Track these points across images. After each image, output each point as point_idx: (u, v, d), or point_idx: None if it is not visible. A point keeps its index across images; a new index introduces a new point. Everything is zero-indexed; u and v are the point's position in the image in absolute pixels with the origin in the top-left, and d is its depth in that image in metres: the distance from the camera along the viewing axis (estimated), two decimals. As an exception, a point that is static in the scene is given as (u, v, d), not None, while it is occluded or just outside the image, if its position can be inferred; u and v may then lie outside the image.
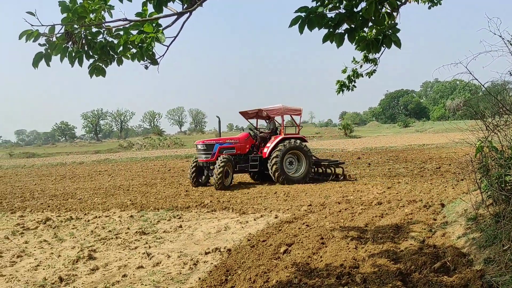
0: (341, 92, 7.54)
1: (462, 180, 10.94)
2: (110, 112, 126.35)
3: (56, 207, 11.78)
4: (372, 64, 7.26)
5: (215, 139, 15.31)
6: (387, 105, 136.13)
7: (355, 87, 7.53)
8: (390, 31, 3.12)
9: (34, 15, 2.87)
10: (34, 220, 9.89)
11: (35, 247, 7.42)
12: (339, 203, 10.03)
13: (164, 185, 15.79)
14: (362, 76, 7.44)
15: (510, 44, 5.29)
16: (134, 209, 10.86)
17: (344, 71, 7.47)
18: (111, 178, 20.01)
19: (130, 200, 12.21)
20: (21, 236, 8.33)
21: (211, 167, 14.16)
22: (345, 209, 9.23)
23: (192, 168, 14.58)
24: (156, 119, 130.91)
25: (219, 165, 13.42)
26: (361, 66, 7.14)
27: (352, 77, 7.46)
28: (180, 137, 79.98)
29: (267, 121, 16.47)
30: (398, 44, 3.21)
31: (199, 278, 5.44)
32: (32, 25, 2.91)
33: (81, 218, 9.92)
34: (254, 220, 8.92)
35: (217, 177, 13.34)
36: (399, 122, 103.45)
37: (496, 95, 5.93)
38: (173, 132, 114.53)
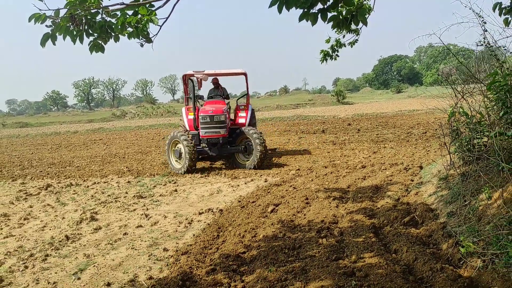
0: (324, 61, 7.90)
1: (453, 142, 11.50)
2: (101, 81, 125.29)
3: (55, 174, 12.26)
4: (354, 34, 7.60)
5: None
6: (380, 71, 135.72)
7: (338, 56, 7.88)
8: (357, 11, 3.53)
9: (42, 1, 3.25)
10: (36, 186, 10.38)
11: (39, 210, 7.93)
12: (325, 167, 10.59)
13: (159, 153, 16.25)
14: (345, 46, 7.79)
15: (479, 16, 5.70)
16: (131, 175, 11.36)
17: (327, 41, 7.81)
18: (106, 147, 20.42)
19: (126, 167, 12.71)
20: (25, 201, 8.83)
21: (223, 146, 11.43)
22: (331, 173, 9.78)
23: (193, 150, 10.88)
24: (149, 88, 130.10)
25: (258, 138, 11.07)
26: (343, 36, 7.47)
27: (336, 47, 7.80)
28: (173, 105, 79.79)
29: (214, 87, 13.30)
30: (365, 23, 3.61)
31: (194, 235, 6.00)
32: (40, 10, 3.29)
33: (81, 184, 10.43)
34: (245, 184, 9.47)
35: (261, 156, 11.05)
36: (392, 88, 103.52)
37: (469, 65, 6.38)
38: (165, 101, 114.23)
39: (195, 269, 4.61)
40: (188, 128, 12.07)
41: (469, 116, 6.22)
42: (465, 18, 5.78)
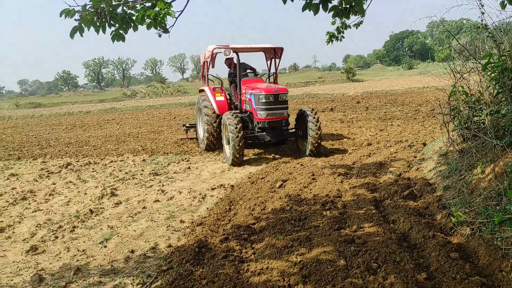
0: (330, 42, 8.19)
1: (449, 122, 11.77)
2: (111, 60, 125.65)
3: (73, 153, 12.80)
4: (359, 15, 7.85)
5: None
6: (391, 47, 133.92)
7: (343, 37, 8.15)
8: (354, 2, 3.85)
9: (72, -2, 3.64)
10: (56, 165, 10.92)
11: (62, 187, 8.46)
12: (332, 145, 10.96)
13: (171, 132, 16.72)
14: (350, 27, 8.05)
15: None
16: (146, 154, 11.85)
17: (333, 23, 8.07)
18: (120, 127, 20.94)
19: (140, 146, 13.20)
20: (48, 179, 9.37)
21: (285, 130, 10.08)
22: (338, 150, 10.16)
23: (240, 131, 9.24)
24: (158, 67, 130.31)
25: (316, 119, 9.68)
26: (349, 18, 7.72)
27: (341, 28, 8.06)
28: (182, 84, 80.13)
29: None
30: (361, 13, 3.94)
31: (207, 208, 6.46)
32: (69, 6, 3.67)
33: (99, 163, 10.94)
34: (255, 161, 9.89)
35: (319, 140, 9.60)
36: (403, 64, 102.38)
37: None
38: (175, 80, 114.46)
39: (210, 238, 5.07)
40: (217, 111, 10.75)
41: (468, 95, 6.52)
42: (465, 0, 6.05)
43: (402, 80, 51.49)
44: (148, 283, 4.08)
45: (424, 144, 9.39)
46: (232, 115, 9.46)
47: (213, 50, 10.72)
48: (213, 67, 11.64)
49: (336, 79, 66.07)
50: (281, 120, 9.80)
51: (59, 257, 4.95)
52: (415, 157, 8.37)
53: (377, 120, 15.74)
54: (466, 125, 6.40)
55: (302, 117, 10.07)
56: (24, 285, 4.27)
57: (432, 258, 3.87)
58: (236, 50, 10.48)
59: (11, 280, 4.42)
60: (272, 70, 11.74)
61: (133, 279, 4.20)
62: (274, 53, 11.35)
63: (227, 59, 11.56)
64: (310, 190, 6.84)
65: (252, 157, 10.44)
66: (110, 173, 9.46)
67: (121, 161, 11.05)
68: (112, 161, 11.00)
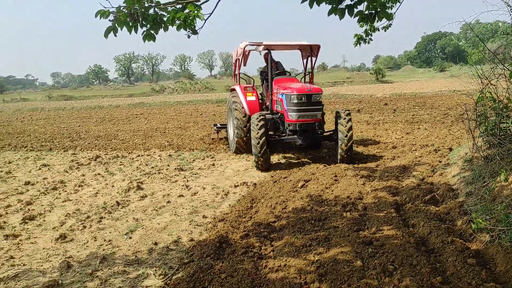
0: (358, 44, 8.19)
1: (478, 127, 11.57)
2: (141, 56, 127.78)
3: (102, 146, 13.19)
4: (386, 20, 7.83)
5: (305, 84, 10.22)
6: (423, 48, 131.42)
7: (372, 40, 8.14)
8: (379, 8, 3.89)
9: (107, 0, 3.83)
10: (86, 157, 11.30)
11: (91, 179, 8.76)
12: (356, 147, 10.94)
13: (197, 128, 16.97)
14: (379, 30, 8.03)
15: (508, 5, 5.87)
16: (172, 149, 12.10)
17: (361, 25, 8.07)
18: (147, 121, 21.36)
19: (167, 142, 13.47)
20: (78, 170, 9.71)
21: (319, 132, 9.42)
22: (362, 152, 10.14)
23: (263, 136, 8.61)
24: (187, 63, 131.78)
25: (347, 121, 8.89)
26: (373, 23, 7.71)
27: (369, 31, 8.05)
28: (210, 81, 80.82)
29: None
30: (388, 18, 3.98)
31: (230, 205, 6.60)
32: (104, 7, 3.86)
33: (126, 156, 11.25)
34: (278, 160, 9.99)
35: (349, 144, 8.79)
36: (434, 66, 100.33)
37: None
38: (203, 76, 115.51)
39: (231, 234, 5.20)
40: (248, 112, 10.17)
41: (496, 101, 6.44)
42: (495, 6, 5.98)
43: (432, 82, 50.50)
44: (169, 275, 4.24)
45: (450, 149, 9.29)
46: (257, 118, 8.77)
47: (244, 47, 10.17)
48: (244, 65, 10.95)
49: (365, 80, 65.38)
50: (314, 123, 9.10)
51: (86, 246, 5.18)
52: (440, 161, 8.30)
53: (404, 123, 15.57)
54: (493, 131, 6.33)
55: (336, 119, 9.33)
56: (53, 270, 4.50)
57: (449, 263, 3.89)
58: (269, 48, 10.13)
59: (41, 265, 4.66)
60: (308, 69, 11.25)
61: (155, 270, 4.37)
62: (310, 50, 10.80)
63: (265, 54, 10.68)
64: (332, 191, 6.89)
65: (275, 155, 10.52)
66: (137, 167, 9.73)
67: (148, 155, 11.33)
68: (139, 155, 11.29)
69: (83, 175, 9.11)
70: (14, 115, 32.10)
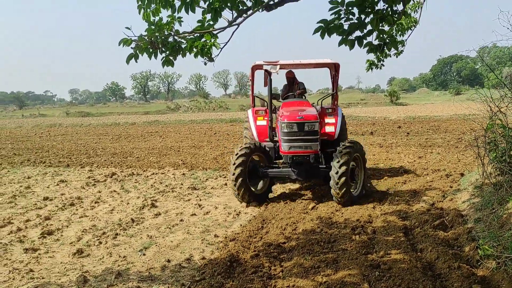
0: (370, 70, 8.38)
1: (487, 154, 11.57)
2: (158, 74, 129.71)
3: (118, 163, 13.48)
4: (400, 45, 8.02)
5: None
6: (439, 71, 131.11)
7: (383, 65, 8.32)
8: (388, 39, 4.08)
9: (130, 29, 4.09)
10: (102, 174, 11.57)
11: (107, 195, 8.99)
12: (368, 170, 11.01)
13: (211, 148, 17.21)
14: (390, 56, 8.21)
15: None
16: (185, 168, 12.32)
17: (368, 51, 8.28)
18: (162, 140, 21.71)
19: (181, 160, 13.71)
20: (94, 187, 9.97)
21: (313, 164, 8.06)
22: (373, 175, 10.22)
23: (239, 166, 7.84)
24: (202, 82, 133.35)
25: (341, 154, 7.51)
26: (383, 53, 7.90)
27: (381, 57, 8.25)
28: (225, 100, 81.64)
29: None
30: (396, 48, 4.17)
31: (241, 225, 6.74)
32: (127, 35, 4.13)
33: (141, 174, 11.50)
34: (290, 183, 10.11)
35: (338, 184, 7.33)
36: (450, 89, 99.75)
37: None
38: (218, 95, 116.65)
39: (241, 253, 5.33)
40: (257, 138, 9.17)
41: (506, 129, 6.53)
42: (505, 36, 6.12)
43: (448, 106, 50.25)
44: (181, 292, 4.38)
45: (462, 174, 9.32)
46: (240, 148, 8.07)
47: (252, 67, 9.33)
48: (264, 85, 9.61)
49: (379, 102, 65.38)
50: (308, 155, 7.87)
51: (102, 261, 5.35)
52: (451, 187, 8.34)
53: (417, 147, 15.58)
54: (503, 158, 6.40)
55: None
56: (70, 284, 4.67)
57: (454, 288, 3.97)
58: (284, 67, 9.43)
59: (59, 279, 4.85)
60: (331, 89, 10.15)
61: (168, 287, 4.51)
62: (334, 69, 9.67)
63: (288, 72, 9.97)
64: (342, 213, 7.00)
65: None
66: (152, 185, 9.94)
67: (162, 173, 11.55)
68: (153, 173, 11.53)
69: (99, 192, 9.35)
70: (33, 130, 32.89)
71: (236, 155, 7.95)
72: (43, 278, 4.88)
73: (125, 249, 5.79)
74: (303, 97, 9.76)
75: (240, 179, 7.73)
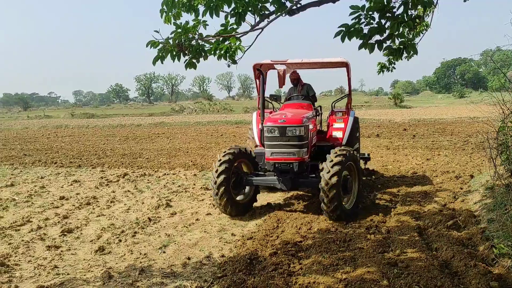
0: (381, 72, 8.50)
1: (499, 155, 11.67)
2: (161, 76, 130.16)
3: (129, 164, 13.64)
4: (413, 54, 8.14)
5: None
6: (442, 74, 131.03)
7: (394, 68, 8.44)
8: (408, 43, 4.21)
9: (158, 32, 4.26)
10: (114, 174, 11.72)
11: (122, 195, 9.14)
12: (378, 171, 11.13)
13: (219, 149, 17.31)
14: (401, 60, 8.33)
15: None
16: (196, 169, 12.45)
17: (385, 54, 8.40)
18: (170, 141, 21.85)
19: (191, 161, 13.85)
20: (108, 187, 10.12)
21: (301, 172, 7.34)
22: (382, 177, 10.33)
23: (222, 174, 7.14)
24: (206, 84, 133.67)
25: (332, 163, 6.65)
26: (401, 57, 8.01)
27: (392, 60, 8.36)
28: (228, 102, 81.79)
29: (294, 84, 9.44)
30: (415, 52, 4.29)
31: (256, 224, 6.87)
32: (155, 38, 4.29)
33: (153, 175, 11.64)
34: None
35: (328, 197, 6.51)
36: (454, 92, 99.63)
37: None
38: (221, 97, 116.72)
39: (260, 251, 5.47)
40: (257, 142, 8.80)
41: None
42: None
43: (452, 108, 50.29)
44: (205, 287, 4.51)
45: (472, 176, 9.42)
46: (223, 154, 7.46)
47: (255, 67, 8.67)
48: (280, 86, 8.88)
49: (383, 105, 65.37)
50: (292, 163, 7.16)
51: (124, 258, 5.49)
52: (461, 188, 8.45)
53: (423, 149, 15.68)
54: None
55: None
56: (95, 280, 4.81)
57: (472, 285, 4.09)
58: (291, 66, 8.83)
59: (84, 275, 4.99)
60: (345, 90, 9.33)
61: (191, 283, 4.65)
62: (346, 69, 8.86)
63: (292, 73, 9.19)
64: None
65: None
66: (164, 185, 10.09)
67: (174, 174, 11.69)
68: (165, 174, 11.67)
69: (113, 192, 9.49)
70: (39, 131, 33.10)
71: (219, 161, 7.27)
72: (68, 274, 5.02)
73: (144, 247, 5.93)
74: (309, 100, 8.91)
75: (223, 187, 7.00)
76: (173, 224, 6.96)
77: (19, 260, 5.47)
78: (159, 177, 11.29)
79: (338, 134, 8.61)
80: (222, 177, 7.06)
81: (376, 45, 4.28)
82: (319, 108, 9.01)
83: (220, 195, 7.05)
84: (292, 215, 7.27)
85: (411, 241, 5.50)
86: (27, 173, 12.48)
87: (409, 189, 8.82)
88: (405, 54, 4.68)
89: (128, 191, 9.52)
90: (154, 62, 4.52)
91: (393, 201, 7.80)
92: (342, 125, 8.68)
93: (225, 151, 7.49)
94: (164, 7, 4.84)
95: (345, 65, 8.75)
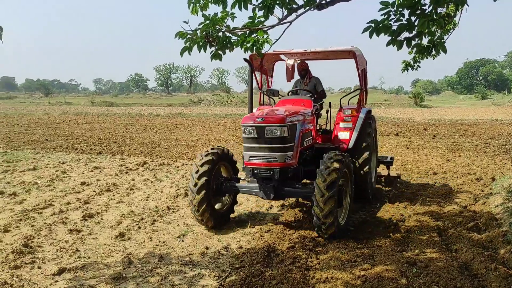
0: (405, 71, 8.41)
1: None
2: (181, 67, 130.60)
3: (148, 153, 13.79)
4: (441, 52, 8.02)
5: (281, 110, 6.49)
6: (465, 75, 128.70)
7: (419, 67, 8.34)
8: (438, 41, 4.15)
9: (187, 23, 4.29)
10: (133, 163, 11.87)
11: (141, 183, 9.26)
12: (396, 170, 11.02)
13: (237, 142, 17.38)
14: (427, 58, 8.22)
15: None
16: (214, 160, 12.49)
17: (410, 52, 8.28)
18: (188, 132, 22.00)
19: (209, 153, 13.90)
20: (127, 175, 10.26)
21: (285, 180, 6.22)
22: (402, 176, 10.23)
23: (203, 175, 6.15)
24: (224, 76, 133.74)
25: (329, 170, 5.55)
26: (430, 55, 7.90)
27: (418, 58, 8.26)
28: (246, 95, 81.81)
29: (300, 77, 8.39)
30: (444, 51, 4.23)
31: (274, 218, 6.88)
32: (184, 29, 4.32)
33: (171, 164, 11.75)
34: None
35: (324, 211, 5.41)
36: (476, 94, 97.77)
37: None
38: (239, 90, 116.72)
39: (277, 244, 5.50)
40: None
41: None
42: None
43: (474, 110, 49.43)
44: (223, 277, 4.56)
45: (493, 179, 9.27)
46: (205, 153, 6.47)
47: (251, 58, 7.69)
48: (288, 80, 8.50)
49: (403, 103, 64.60)
50: (272, 169, 6.01)
51: (143, 245, 5.58)
52: (482, 191, 8.33)
53: (444, 150, 15.46)
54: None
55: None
56: (116, 265, 4.91)
57: (492, 288, 4.04)
58: (293, 56, 8.06)
59: (105, 259, 5.09)
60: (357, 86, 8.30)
61: (209, 272, 4.70)
62: (354, 59, 7.53)
63: (300, 63, 8.23)
64: (373, 211, 7.08)
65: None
66: (183, 175, 10.18)
67: (192, 165, 11.77)
68: (183, 164, 11.77)
69: (133, 180, 9.62)
70: (60, 118, 33.66)
71: (200, 160, 6.27)
72: (89, 258, 5.12)
73: (163, 235, 6.01)
74: (312, 95, 7.67)
75: (203, 191, 6.02)
76: (191, 214, 7.01)
77: (42, 242, 5.60)
78: (178, 167, 11.38)
79: (344, 135, 7.42)
80: (203, 179, 6.05)
81: (404, 42, 4.23)
82: (321, 105, 7.88)
83: (199, 200, 5.99)
84: (309, 210, 7.26)
85: (431, 241, 5.46)
86: (48, 158, 12.72)
87: (428, 190, 8.73)
88: (433, 52, 4.61)
89: (147, 179, 9.64)
90: (181, 53, 4.55)
91: (412, 201, 7.73)
92: (350, 124, 7.44)
93: (207, 151, 6.49)
94: (193, -4, 4.87)
95: (352, 55, 7.45)
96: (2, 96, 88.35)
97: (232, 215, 6.87)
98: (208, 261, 5.05)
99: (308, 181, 7.25)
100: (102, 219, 6.70)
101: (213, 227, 6.23)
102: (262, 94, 8.65)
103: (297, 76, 8.46)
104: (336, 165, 5.55)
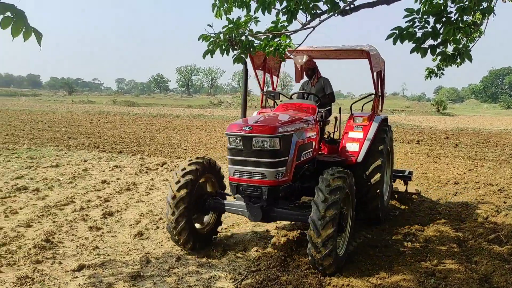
0: (429, 78, 8.30)
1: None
2: (202, 69, 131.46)
3: (167, 153, 13.93)
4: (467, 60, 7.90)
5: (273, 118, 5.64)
6: (490, 83, 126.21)
7: (443, 74, 8.22)
8: (463, 49, 4.10)
9: (211, 26, 4.34)
10: (153, 162, 12.00)
11: (160, 183, 9.36)
12: (417, 178, 10.89)
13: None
14: (451, 66, 8.10)
15: None
16: (232, 163, 12.54)
17: (434, 60, 8.17)
18: (207, 134, 22.13)
19: (228, 155, 13.97)
20: (147, 174, 10.38)
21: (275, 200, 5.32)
22: (422, 184, 10.10)
23: (183, 187, 5.24)
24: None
25: (330, 189, 4.66)
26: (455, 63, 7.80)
27: (442, 65, 8.14)
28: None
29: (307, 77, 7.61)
30: (469, 59, 4.18)
31: (291, 222, 6.86)
32: (207, 32, 4.38)
33: (190, 166, 11.82)
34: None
35: (322, 236, 4.46)
36: (501, 103, 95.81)
37: None
38: (259, 93, 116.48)
39: (294, 249, 5.48)
40: None
41: None
42: None
43: (498, 119, 48.48)
44: (239, 280, 4.58)
45: (516, 191, 9.08)
46: (188, 162, 5.60)
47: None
48: (296, 81, 8.16)
49: (425, 111, 63.72)
50: (260, 187, 5.09)
51: (161, 245, 5.65)
52: (504, 202, 8.16)
53: (466, 159, 15.19)
54: None
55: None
56: (134, 263, 4.98)
57: (513, 303, 3.96)
58: (300, 54, 7.21)
59: (123, 257, 5.17)
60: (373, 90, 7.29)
61: (226, 274, 4.73)
62: (368, 60, 6.54)
63: (307, 61, 7.24)
64: (391, 219, 7.01)
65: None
66: (201, 177, 10.23)
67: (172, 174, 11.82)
68: (202, 166, 11.82)
69: (152, 179, 9.73)
70: (83, 116, 34.25)
71: (182, 170, 5.43)
72: (108, 255, 5.21)
73: (181, 235, 6.05)
74: (319, 99, 6.87)
75: (183, 206, 5.17)
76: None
77: (63, 238, 5.72)
78: (197, 168, 11.45)
79: (353, 146, 6.49)
80: (184, 191, 5.20)
81: (429, 50, 4.19)
82: (329, 110, 7.15)
83: (177, 216, 5.16)
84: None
85: (450, 252, 5.38)
86: (71, 155, 12.97)
87: (449, 199, 8.60)
88: (458, 60, 4.55)
89: (166, 179, 9.74)
90: (204, 56, 4.61)
91: (432, 210, 7.63)
92: (360, 134, 6.53)
93: (191, 160, 5.65)
94: (217, 1, 4.93)
95: (366, 54, 6.48)
96: (27, 93, 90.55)
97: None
98: (224, 263, 5.08)
99: (307, 199, 6.32)
100: (121, 217, 6.80)
101: (191, 249, 5.38)
102: (263, 96, 7.83)
103: (305, 77, 7.72)
104: (339, 182, 4.73)
